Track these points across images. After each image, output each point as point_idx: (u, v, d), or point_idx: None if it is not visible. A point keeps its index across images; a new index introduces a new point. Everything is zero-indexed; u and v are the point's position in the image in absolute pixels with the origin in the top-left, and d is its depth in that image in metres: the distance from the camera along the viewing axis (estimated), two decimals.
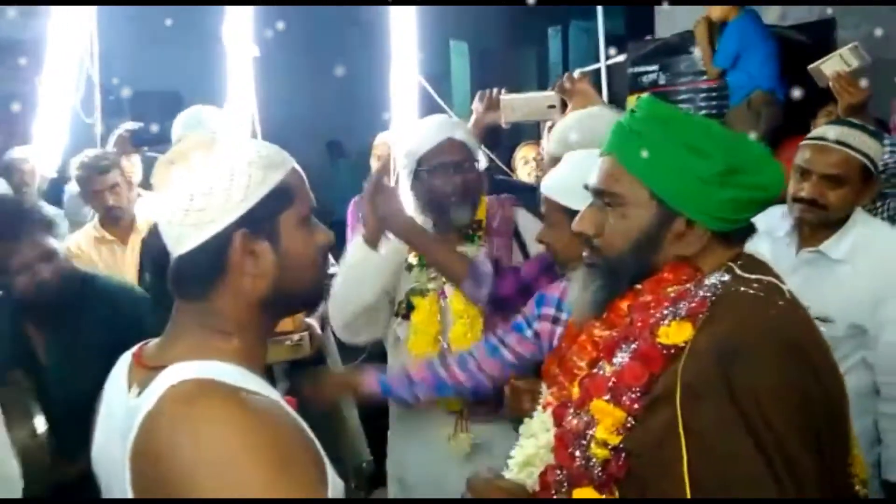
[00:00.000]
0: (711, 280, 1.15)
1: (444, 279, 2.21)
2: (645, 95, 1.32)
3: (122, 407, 1.05)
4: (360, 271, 2.16)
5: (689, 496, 1.02)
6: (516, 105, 2.35)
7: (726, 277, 1.15)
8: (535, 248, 2.16)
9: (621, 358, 1.14)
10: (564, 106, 2.25)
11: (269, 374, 2.55)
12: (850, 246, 2.05)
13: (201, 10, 3.84)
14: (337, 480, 1.05)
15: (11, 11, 4.09)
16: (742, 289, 1.13)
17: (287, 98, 3.26)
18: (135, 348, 1.13)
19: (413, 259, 2.25)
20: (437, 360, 2.02)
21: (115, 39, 3.32)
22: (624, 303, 1.20)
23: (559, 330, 1.90)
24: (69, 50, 3.14)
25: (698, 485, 1.02)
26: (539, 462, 1.25)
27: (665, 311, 1.12)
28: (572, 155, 1.85)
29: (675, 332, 1.10)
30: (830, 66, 2.51)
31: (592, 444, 1.11)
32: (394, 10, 3.36)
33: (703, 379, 1.05)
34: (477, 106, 2.42)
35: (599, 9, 4.83)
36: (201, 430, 0.92)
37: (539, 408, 1.33)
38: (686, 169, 1.14)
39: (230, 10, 3.37)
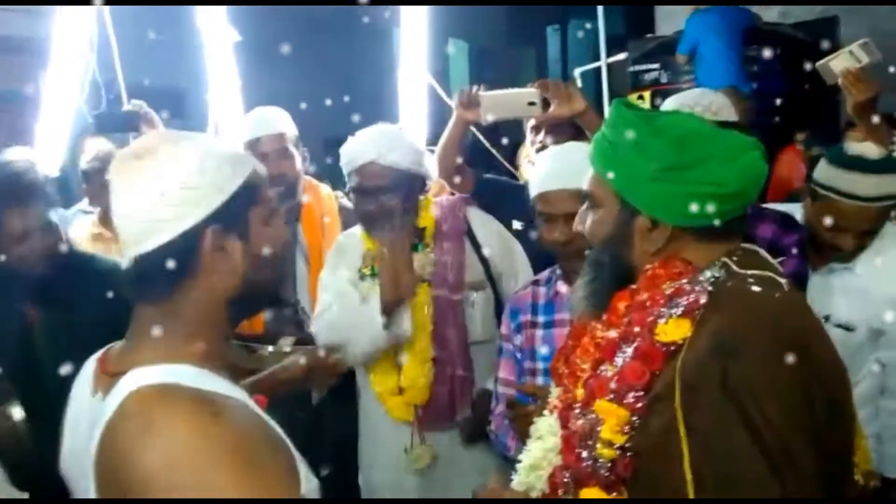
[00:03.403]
0: (706, 275, 1.15)
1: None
2: (616, 99, 1.33)
3: (87, 413, 1.04)
4: (363, 333, 2.11)
5: (691, 494, 1.02)
6: (496, 102, 2.27)
7: (722, 273, 1.15)
8: (490, 250, 2.19)
9: (622, 358, 1.14)
10: (546, 104, 2.19)
11: None
12: (882, 261, 2.03)
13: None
14: (311, 478, 1.03)
15: (15, 10, 4.07)
16: (738, 284, 1.13)
17: (284, 94, 3.25)
18: (100, 353, 1.12)
19: (365, 268, 2.20)
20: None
21: (117, 36, 3.30)
22: (621, 303, 1.21)
23: (539, 332, 1.93)
24: (73, 48, 3.12)
25: (700, 482, 1.02)
26: (547, 464, 1.24)
27: (662, 310, 1.13)
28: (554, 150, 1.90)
29: (674, 330, 1.10)
30: (839, 63, 2.45)
31: (598, 445, 1.10)
32: (403, 8, 3.36)
33: (700, 375, 1.05)
34: (456, 104, 2.35)
35: (600, 8, 4.82)
36: (160, 436, 0.90)
37: (545, 411, 1.32)
38: (633, 166, 1.18)
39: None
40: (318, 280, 2.31)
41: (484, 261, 2.21)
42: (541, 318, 1.95)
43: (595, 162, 1.26)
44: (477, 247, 2.23)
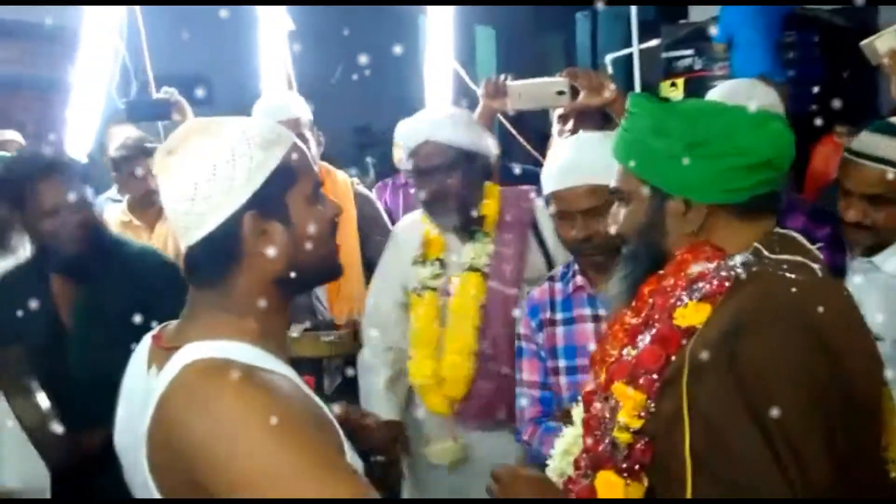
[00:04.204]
0: (736, 260, 1.14)
1: (449, 275, 2.16)
2: (633, 93, 1.32)
3: (142, 387, 1.07)
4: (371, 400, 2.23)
5: (689, 479, 1.01)
6: (523, 92, 2.24)
7: (751, 258, 1.14)
8: (553, 243, 2.12)
9: (642, 342, 1.15)
10: (575, 93, 2.14)
11: (317, 367, 2.58)
12: None
13: None
14: (357, 460, 1.06)
15: None
16: (765, 268, 1.12)
17: (315, 82, 3.24)
18: (155, 330, 1.15)
19: (419, 255, 2.21)
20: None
21: (146, 23, 3.30)
22: (647, 288, 1.21)
23: (559, 330, 1.89)
24: (102, 36, 3.13)
25: (699, 467, 1.02)
26: (577, 449, 1.25)
27: (683, 293, 1.13)
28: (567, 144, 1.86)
29: (692, 314, 1.10)
30: (885, 43, 2.38)
31: (615, 429, 1.11)
32: None
33: (708, 357, 1.04)
34: (483, 93, 2.32)
35: None
36: (212, 405, 0.94)
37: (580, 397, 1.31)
38: (654, 150, 1.20)
39: None
40: (371, 280, 2.34)
41: (548, 256, 2.16)
42: (559, 316, 1.90)
43: (617, 154, 1.28)
44: (541, 241, 2.17)
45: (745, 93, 2.08)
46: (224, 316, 1.06)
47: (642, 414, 1.10)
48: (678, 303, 1.12)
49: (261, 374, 0.98)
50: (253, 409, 0.93)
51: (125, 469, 1.10)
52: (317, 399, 1.06)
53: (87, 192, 2.03)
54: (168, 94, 3.01)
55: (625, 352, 1.18)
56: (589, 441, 1.16)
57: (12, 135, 3.85)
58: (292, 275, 1.07)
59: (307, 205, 1.08)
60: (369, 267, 2.78)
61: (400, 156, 4.27)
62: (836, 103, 3.96)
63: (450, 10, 3.46)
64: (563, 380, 1.86)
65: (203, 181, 1.02)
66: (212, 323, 1.06)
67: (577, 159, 1.80)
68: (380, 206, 3.01)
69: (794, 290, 1.08)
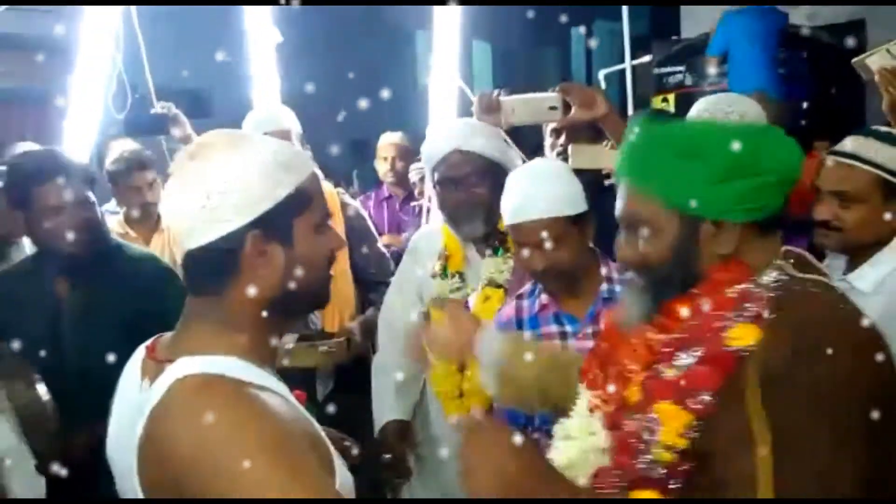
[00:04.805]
0: (767, 279, 1.16)
1: (469, 289, 2.16)
2: (641, 112, 1.33)
3: (134, 398, 1.08)
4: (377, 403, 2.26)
5: (772, 495, 1.02)
6: (516, 107, 2.23)
7: (783, 276, 1.16)
8: None
9: (684, 361, 1.13)
10: (567, 108, 2.15)
11: (310, 377, 2.59)
12: (881, 276, 1.84)
13: (227, 8, 3.87)
14: (346, 474, 1.07)
15: (43, 9, 4.13)
16: (802, 288, 1.15)
17: (311, 96, 3.27)
18: (149, 341, 1.16)
19: (438, 268, 2.23)
20: None
21: (144, 36, 3.33)
22: (681, 306, 1.19)
23: (571, 344, 1.87)
24: (99, 48, 3.16)
25: (782, 483, 1.03)
26: (586, 466, 1.23)
27: (728, 314, 1.13)
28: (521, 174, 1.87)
29: (743, 335, 1.10)
30: (877, 61, 2.41)
31: (656, 447, 1.11)
32: (435, 10, 3.37)
33: (781, 375, 1.05)
34: (477, 109, 2.33)
35: (625, 9, 4.79)
36: (202, 421, 0.94)
37: (576, 410, 1.31)
38: (690, 175, 1.16)
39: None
40: (391, 285, 2.37)
41: None
42: (527, 334, 1.90)
43: (639, 181, 1.22)
44: None
45: (730, 106, 2.12)
46: (218, 329, 1.07)
47: (687, 434, 1.09)
48: (726, 324, 1.12)
49: (251, 391, 1.00)
50: (242, 425, 0.95)
51: (116, 479, 1.12)
52: (307, 414, 1.08)
53: (90, 194, 2.06)
54: (165, 108, 3.04)
55: (660, 369, 1.16)
56: (624, 459, 1.15)
57: (28, 146, 3.89)
58: (282, 299, 1.08)
59: (313, 233, 1.09)
60: (358, 277, 2.81)
61: (385, 169, 4.32)
62: (824, 120, 4.01)
63: (455, 26, 3.50)
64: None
65: (216, 192, 1.04)
66: (205, 336, 1.07)
67: (534, 192, 1.82)
68: (367, 217, 3.04)
69: (840, 308, 1.14)
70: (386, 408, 2.25)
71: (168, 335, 1.14)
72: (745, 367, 1.08)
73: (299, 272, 1.07)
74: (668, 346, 1.17)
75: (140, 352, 1.16)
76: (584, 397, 1.32)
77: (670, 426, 1.10)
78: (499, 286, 2.13)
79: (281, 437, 0.96)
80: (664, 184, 1.18)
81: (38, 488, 1.85)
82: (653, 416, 1.12)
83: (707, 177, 1.15)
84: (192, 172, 1.06)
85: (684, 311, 1.18)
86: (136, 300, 1.94)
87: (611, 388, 1.25)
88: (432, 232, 2.32)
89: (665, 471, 1.10)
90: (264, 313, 1.08)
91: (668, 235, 1.19)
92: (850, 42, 3.87)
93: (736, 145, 1.15)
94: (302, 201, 1.08)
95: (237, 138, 1.09)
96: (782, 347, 1.07)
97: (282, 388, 1.08)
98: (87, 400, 1.40)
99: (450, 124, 2.21)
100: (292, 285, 1.07)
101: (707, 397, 1.09)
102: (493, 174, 2.11)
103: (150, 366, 1.10)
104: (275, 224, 1.05)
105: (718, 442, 1.07)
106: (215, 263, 1.06)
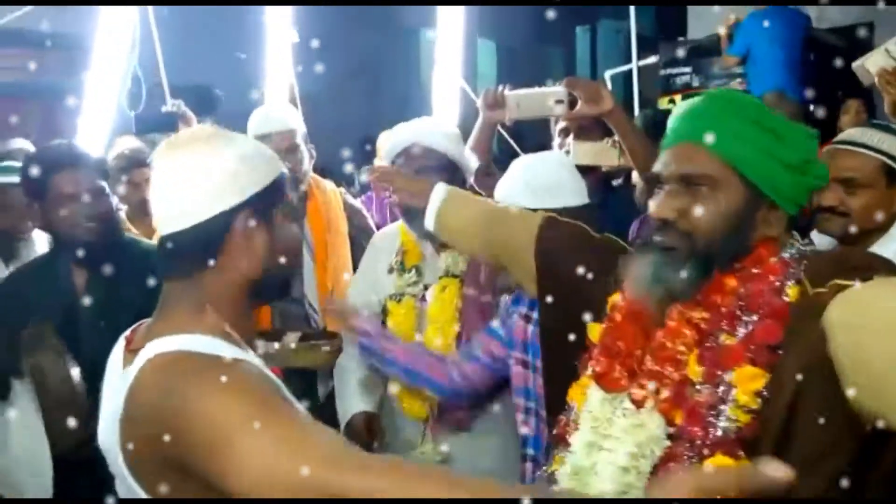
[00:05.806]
0: (792, 251, 1.21)
1: (424, 284, 2.17)
2: (719, 91, 1.37)
3: (116, 386, 1.10)
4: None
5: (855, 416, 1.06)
6: (521, 101, 2.21)
7: (803, 249, 1.22)
8: None
9: (746, 327, 1.16)
10: (573, 103, 2.11)
11: (311, 377, 2.59)
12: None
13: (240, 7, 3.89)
14: None
15: (59, 6, 4.14)
16: (828, 253, 1.25)
17: (321, 94, 3.29)
18: (128, 331, 1.19)
19: (395, 263, 2.24)
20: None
21: (158, 33, 3.35)
22: (729, 280, 1.19)
23: (531, 328, 1.84)
24: (115, 46, 3.18)
25: (868, 410, 1.05)
26: (649, 455, 1.19)
27: (781, 277, 1.17)
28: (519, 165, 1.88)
29: (799, 292, 1.15)
30: (875, 62, 2.38)
31: (731, 410, 1.13)
32: (439, 9, 3.38)
33: (858, 319, 1.07)
34: (482, 104, 2.32)
35: (632, 9, 4.79)
36: (177, 389, 0.98)
37: (594, 415, 1.27)
38: (773, 155, 1.18)
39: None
40: (350, 284, 2.37)
41: None
42: (535, 315, 1.84)
43: (716, 143, 1.19)
44: None
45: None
46: (192, 309, 1.09)
47: (762, 393, 1.11)
48: (786, 283, 1.16)
49: (227, 360, 1.02)
50: (222, 382, 0.97)
51: (109, 465, 1.13)
52: (287, 393, 1.08)
53: (105, 185, 2.09)
54: (175, 105, 3.06)
55: (719, 340, 1.17)
56: (696, 430, 1.15)
57: (21, 143, 3.90)
58: (261, 281, 1.12)
59: (286, 221, 1.17)
60: None
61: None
62: (831, 122, 4.02)
63: (459, 25, 3.51)
64: (532, 378, 1.84)
65: (212, 171, 1.08)
66: (179, 319, 1.09)
67: (531, 183, 1.84)
68: (369, 216, 3.05)
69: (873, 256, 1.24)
70: (352, 402, 2.24)
71: (145, 323, 1.16)
72: (817, 320, 1.09)
73: (277, 256, 1.13)
74: (723, 318, 1.18)
75: (120, 342, 1.18)
76: (598, 398, 1.27)
77: (745, 387, 1.13)
78: (455, 276, 2.14)
79: (257, 392, 0.99)
80: (747, 153, 1.18)
81: (46, 479, 1.88)
82: (726, 381, 1.14)
83: (789, 162, 1.18)
84: (186, 155, 1.10)
85: (732, 285, 1.19)
86: (152, 293, 1.95)
87: (650, 374, 1.23)
88: (391, 229, 2.32)
89: (736, 432, 1.12)
90: (239, 296, 1.12)
91: (731, 203, 1.18)
92: (859, 44, 3.88)
93: (814, 144, 1.22)
94: (280, 191, 1.15)
95: (219, 133, 1.14)
96: (848, 304, 1.09)
97: (256, 359, 1.10)
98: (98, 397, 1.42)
99: (407, 123, 2.18)
100: (270, 268, 1.13)
101: (773, 348, 1.13)
102: (450, 172, 2.10)
103: (128, 355, 1.12)
104: (262, 208, 1.11)
105: (786, 389, 1.10)
106: (201, 243, 1.08)
